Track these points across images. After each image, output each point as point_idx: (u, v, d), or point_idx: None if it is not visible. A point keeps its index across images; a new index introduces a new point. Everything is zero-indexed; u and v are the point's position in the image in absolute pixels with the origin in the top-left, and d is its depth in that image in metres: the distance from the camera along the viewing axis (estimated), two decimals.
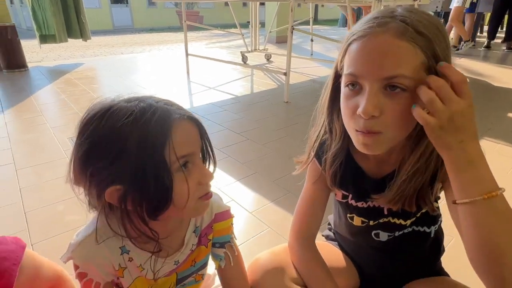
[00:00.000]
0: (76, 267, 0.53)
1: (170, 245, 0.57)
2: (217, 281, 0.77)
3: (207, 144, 0.54)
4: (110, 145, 0.44)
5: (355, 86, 0.51)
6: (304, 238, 0.73)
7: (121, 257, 0.54)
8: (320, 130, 0.67)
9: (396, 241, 0.69)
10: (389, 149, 0.54)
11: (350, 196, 0.68)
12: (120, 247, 0.54)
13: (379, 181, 0.62)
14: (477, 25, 6.22)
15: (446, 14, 6.63)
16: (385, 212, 0.66)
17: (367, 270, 0.78)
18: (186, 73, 3.73)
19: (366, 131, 0.50)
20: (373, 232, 0.70)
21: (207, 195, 0.52)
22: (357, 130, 0.52)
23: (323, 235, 0.92)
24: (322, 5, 16.19)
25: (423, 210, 0.64)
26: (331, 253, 0.79)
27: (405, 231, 0.68)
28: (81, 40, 4.53)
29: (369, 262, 0.77)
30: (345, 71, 0.52)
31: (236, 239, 0.68)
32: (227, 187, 1.44)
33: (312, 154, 0.69)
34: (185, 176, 0.47)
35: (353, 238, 0.76)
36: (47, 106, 2.59)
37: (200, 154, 0.53)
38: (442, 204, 0.61)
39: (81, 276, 0.53)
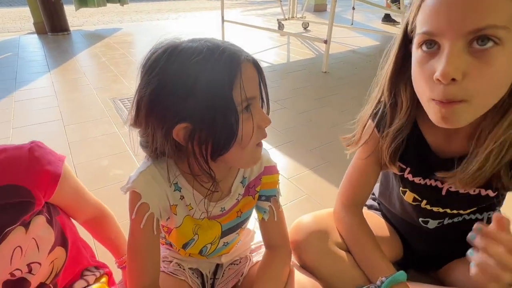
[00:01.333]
0: (136, 200, 0.53)
1: (220, 188, 0.58)
2: (256, 238, 0.78)
3: (265, 90, 0.52)
4: (180, 83, 0.44)
5: (432, 45, 0.44)
6: (352, 205, 0.71)
7: (174, 193, 0.56)
8: (379, 102, 0.60)
9: (444, 229, 0.65)
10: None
11: (408, 169, 0.62)
12: (174, 183, 0.55)
13: (447, 161, 0.56)
14: None
15: None
16: (443, 193, 0.60)
17: (411, 243, 0.75)
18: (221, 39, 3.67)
19: (446, 101, 0.43)
20: (421, 219, 0.66)
21: (261, 142, 0.52)
22: (434, 100, 0.45)
23: (366, 204, 0.89)
24: None
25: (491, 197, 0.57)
26: (375, 223, 0.76)
27: (455, 220, 0.63)
28: (118, 5, 4.57)
29: (414, 238, 0.74)
30: (418, 30, 0.45)
31: (281, 195, 0.67)
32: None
33: (372, 124, 0.62)
34: (251, 114, 0.47)
35: (401, 213, 0.72)
36: (89, 68, 2.67)
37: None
38: None
39: (142, 209, 0.53)
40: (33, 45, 3.45)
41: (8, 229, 0.46)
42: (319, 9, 6.26)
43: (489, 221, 0.64)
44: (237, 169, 0.60)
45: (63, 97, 2.04)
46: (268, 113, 0.55)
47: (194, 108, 0.44)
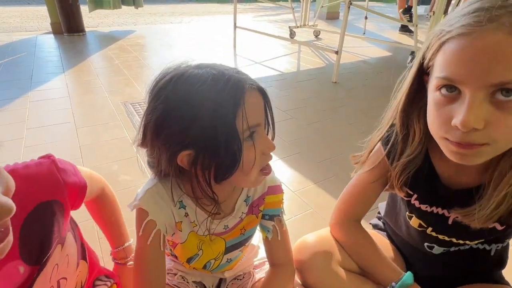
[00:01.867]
0: (143, 217, 0.54)
1: (222, 209, 0.59)
2: (260, 254, 0.79)
3: (271, 115, 0.54)
4: (184, 112, 0.45)
5: (453, 90, 0.43)
6: (351, 220, 0.72)
7: (179, 211, 0.58)
8: (391, 126, 0.60)
9: (450, 255, 0.65)
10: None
11: (415, 196, 0.63)
12: (178, 201, 0.57)
13: (459, 192, 0.56)
14: None
15: None
16: (449, 222, 0.59)
17: (415, 267, 0.75)
18: (232, 45, 3.71)
19: (465, 143, 0.43)
20: (427, 244, 0.66)
21: (268, 169, 0.53)
22: (448, 140, 0.45)
23: (370, 223, 0.89)
24: None
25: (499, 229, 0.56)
26: (380, 242, 0.76)
27: (461, 248, 0.63)
28: (133, 7, 4.65)
29: (418, 261, 0.74)
30: (438, 73, 0.44)
31: (285, 214, 0.68)
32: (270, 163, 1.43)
33: (382, 149, 0.63)
34: (253, 144, 0.48)
35: (407, 237, 0.72)
36: (103, 70, 2.72)
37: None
38: None
39: (149, 225, 0.54)
40: (49, 45, 3.54)
41: (54, 245, 0.46)
42: (331, 17, 6.26)
43: (496, 252, 0.64)
44: (241, 188, 0.62)
45: (76, 99, 2.08)
46: (273, 136, 0.56)
47: (197, 136, 0.45)
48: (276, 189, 0.65)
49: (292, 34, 4.19)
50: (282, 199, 0.67)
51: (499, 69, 0.38)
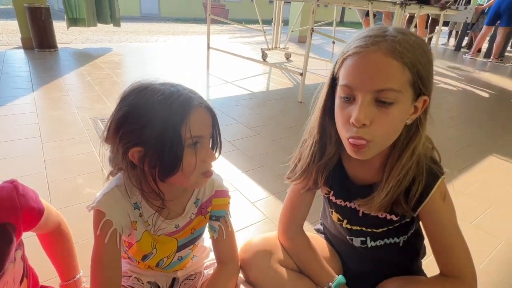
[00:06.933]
0: (100, 217, 0.61)
1: (173, 209, 0.67)
2: (211, 255, 0.86)
3: (217, 132, 0.63)
4: (141, 115, 0.55)
5: (349, 99, 0.57)
6: (292, 229, 0.81)
7: (134, 211, 0.65)
8: (313, 143, 0.71)
9: (373, 251, 0.77)
10: (375, 156, 0.60)
11: (332, 192, 0.75)
12: (133, 203, 0.64)
13: (362, 187, 0.69)
14: (508, 40, 6.05)
15: (473, 25, 6.52)
16: (360, 215, 0.72)
17: (348, 263, 0.85)
18: (206, 65, 3.83)
19: (357, 137, 0.56)
20: (347, 236, 0.78)
21: (208, 173, 0.62)
22: (348, 138, 0.58)
23: (315, 229, 0.99)
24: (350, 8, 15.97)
25: (400, 220, 0.69)
26: (318, 244, 0.86)
27: (378, 244, 0.75)
28: (111, 25, 4.71)
29: (348, 257, 0.85)
30: (341, 81, 0.58)
31: (231, 217, 0.76)
32: (233, 178, 1.52)
33: (305, 161, 0.73)
34: (195, 151, 0.57)
35: (335, 232, 0.83)
36: (73, 86, 2.74)
37: (210, 140, 0.63)
38: None
39: (106, 225, 0.61)
40: (18, 60, 3.50)
41: (7, 264, 0.50)
42: (303, 40, 6.61)
43: (405, 244, 0.75)
44: (191, 191, 0.70)
45: (44, 115, 2.09)
46: (219, 149, 0.65)
47: (148, 136, 0.54)
48: (222, 193, 0.74)
49: (264, 56, 4.39)
50: (229, 202, 0.75)
51: (379, 79, 0.53)
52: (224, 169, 1.58)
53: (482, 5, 6.24)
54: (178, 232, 0.70)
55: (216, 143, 0.64)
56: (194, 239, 0.74)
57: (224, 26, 10.26)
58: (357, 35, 0.58)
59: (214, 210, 0.74)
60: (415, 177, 0.61)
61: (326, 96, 0.66)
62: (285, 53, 4.73)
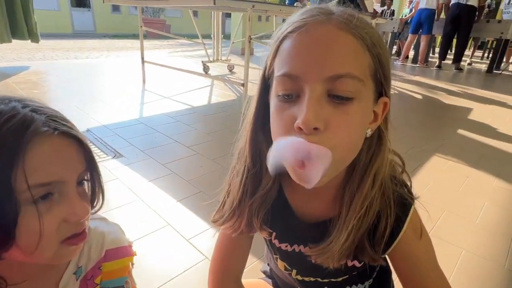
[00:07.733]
0: None
1: None
2: None
3: (93, 170, 0.42)
4: None
5: (291, 96, 0.39)
6: (226, 283, 0.61)
7: None
8: (243, 170, 0.50)
9: None
10: (329, 181, 0.40)
11: (274, 234, 0.55)
12: None
13: (313, 226, 0.50)
14: (430, 46, 6.65)
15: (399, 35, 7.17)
16: (313, 261, 0.51)
17: None
18: (141, 81, 3.52)
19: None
20: (299, 286, 0.59)
21: (77, 238, 0.39)
22: None
23: (261, 271, 0.79)
24: None
25: (361, 266, 0.52)
26: None
27: None
28: (29, 41, 4.15)
29: None
30: (277, 73, 0.40)
31: (135, 283, 0.54)
32: (164, 209, 1.27)
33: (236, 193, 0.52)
34: (37, 211, 0.35)
35: (283, 278, 0.64)
36: None
37: (87, 183, 0.42)
38: None
39: None
40: None
41: None
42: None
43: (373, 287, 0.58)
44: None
45: None
46: (103, 196, 0.45)
47: None
48: (118, 252, 0.51)
49: (205, 69, 4.20)
50: (131, 263, 0.53)
51: (333, 60, 0.36)
52: (154, 199, 1.32)
53: (406, 16, 6.81)
54: None
55: (94, 187, 0.43)
56: None
57: (165, 41, 9.93)
58: (294, 13, 0.41)
59: (106, 280, 0.50)
60: (380, 210, 0.44)
61: (258, 104, 0.46)
62: (228, 65, 4.60)
